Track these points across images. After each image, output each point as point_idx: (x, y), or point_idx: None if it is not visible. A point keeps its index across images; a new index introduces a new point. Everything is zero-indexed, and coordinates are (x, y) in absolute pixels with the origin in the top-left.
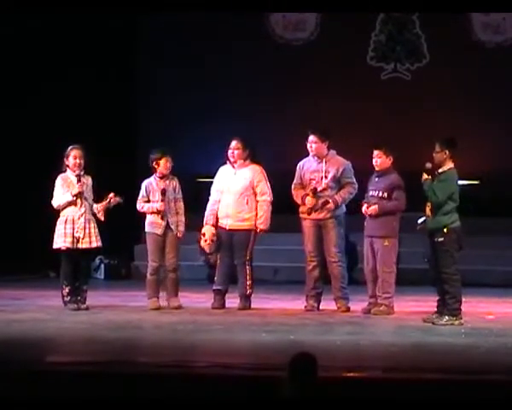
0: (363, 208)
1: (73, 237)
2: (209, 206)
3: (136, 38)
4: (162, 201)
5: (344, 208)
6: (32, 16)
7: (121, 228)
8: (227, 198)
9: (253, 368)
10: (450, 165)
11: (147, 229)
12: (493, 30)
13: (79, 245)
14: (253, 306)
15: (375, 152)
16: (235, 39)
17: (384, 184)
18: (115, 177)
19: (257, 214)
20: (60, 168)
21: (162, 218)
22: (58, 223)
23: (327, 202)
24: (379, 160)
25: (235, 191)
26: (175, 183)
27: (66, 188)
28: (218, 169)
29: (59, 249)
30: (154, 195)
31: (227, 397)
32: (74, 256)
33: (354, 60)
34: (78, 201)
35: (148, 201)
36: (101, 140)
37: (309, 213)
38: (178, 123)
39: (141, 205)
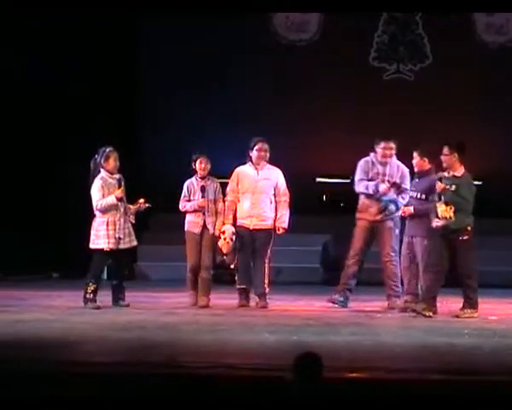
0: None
1: (115, 238)
2: (228, 206)
3: (138, 39)
4: (203, 198)
5: (399, 211)
6: (33, 17)
7: None
8: (251, 199)
9: (257, 369)
10: (462, 168)
11: (186, 228)
12: (496, 30)
13: (120, 245)
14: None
15: (413, 153)
16: (238, 40)
17: (422, 186)
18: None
19: (276, 214)
20: (89, 170)
21: (200, 217)
22: (97, 224)
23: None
24: (414, 161)
25: (261, 191)
26: (215, 184)
27: (106, 190)
28: (225, 169)
29: (101, 250)
30: (195, 194)
31: (230, 398)
32: (114, 256)
33: (357, 60)
34: (119, 203)
35: (189, 200)
36: (104, 142)
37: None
38: (181, 125)
39: (183, 204)
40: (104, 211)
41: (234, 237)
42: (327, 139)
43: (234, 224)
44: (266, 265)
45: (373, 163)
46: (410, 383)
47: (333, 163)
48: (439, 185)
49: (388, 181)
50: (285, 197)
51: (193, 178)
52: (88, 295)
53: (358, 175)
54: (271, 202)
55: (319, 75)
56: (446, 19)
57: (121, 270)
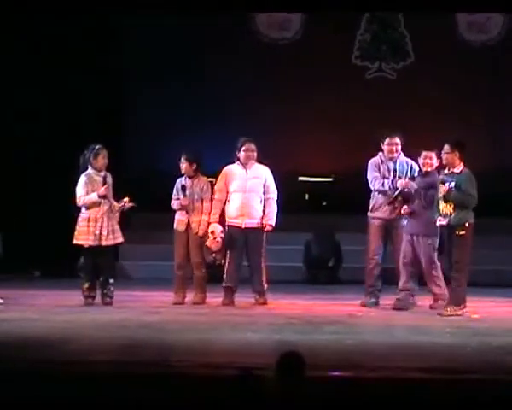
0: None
1: (95, 234)
2: (214, 205)
3: (124, 38)
4: (184, 196)
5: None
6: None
7: None
8: (241, 198)
9: (240, 367)
10: (461, 165)
11: (174, 226)
12: (478, 29)
13: (103, 242)
14: (239, 305)
15: (425, 153)
16: (220, 39)
17: (425, 183)
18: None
19: (264, 212)
20: (76, 167)
21: (184, 215)
22: (80, 220)
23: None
24: (431, 161)
25: (251, 190)
26: (202, 183)
27: (90, 187)
28: (209, 169)
29: (81, 246)
30: (180, 193)
31: (213, 397)
32: (96, 253)
33: (339, 59)
34: (102, 200)
35: (178, 199)
36: (88, 141)
37: (394, 199)
38: (165, 124)
39: (173, 202)
40: (87, 207)
41: (222, 235)
42: (309, 138)
43: (221, 222)
44: (263, 264)
45: (382, 161)
46: (392, 381)
47: (315, 162)
48: (444, 188)
49: (399, 177)
50: (273, 195)
51: (182, 177)
52: (85, 293)
53: (372, 173)
54: (261, 201)
55: (301, 74)
56: (428, 17)
57: (105, 267)
